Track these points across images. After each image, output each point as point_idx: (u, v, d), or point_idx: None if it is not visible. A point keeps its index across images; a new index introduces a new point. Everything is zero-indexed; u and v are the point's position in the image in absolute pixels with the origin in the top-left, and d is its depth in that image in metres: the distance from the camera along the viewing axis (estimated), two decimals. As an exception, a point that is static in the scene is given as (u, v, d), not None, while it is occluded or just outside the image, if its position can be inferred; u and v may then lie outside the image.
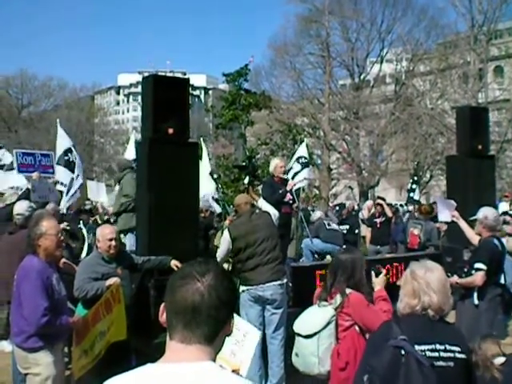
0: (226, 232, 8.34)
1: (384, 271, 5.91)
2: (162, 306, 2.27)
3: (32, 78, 77.29)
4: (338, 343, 5.44)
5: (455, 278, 7.86)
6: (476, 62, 40.20)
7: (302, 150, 17.37)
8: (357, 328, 5.42)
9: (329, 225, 13.99)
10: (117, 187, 12.94)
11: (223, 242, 8.29)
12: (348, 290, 5.51)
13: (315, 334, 5.50)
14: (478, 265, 7.82)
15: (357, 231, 15.91)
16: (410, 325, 3.70)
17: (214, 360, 2.21)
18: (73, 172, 14.25)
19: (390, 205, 18.15)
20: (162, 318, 2.26)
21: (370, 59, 50.28)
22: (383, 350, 3.55)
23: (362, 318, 5.42)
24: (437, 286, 3.84)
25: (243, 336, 4.57)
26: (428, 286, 3.81)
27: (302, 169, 16.19)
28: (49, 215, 7.38)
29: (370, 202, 18.28)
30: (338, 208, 23.18)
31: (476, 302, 7.90)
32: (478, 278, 7.79)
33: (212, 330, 2.18)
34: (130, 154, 17.77)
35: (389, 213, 15.81)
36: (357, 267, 5.63)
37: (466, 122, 11.80)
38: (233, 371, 4.16)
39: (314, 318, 5.64)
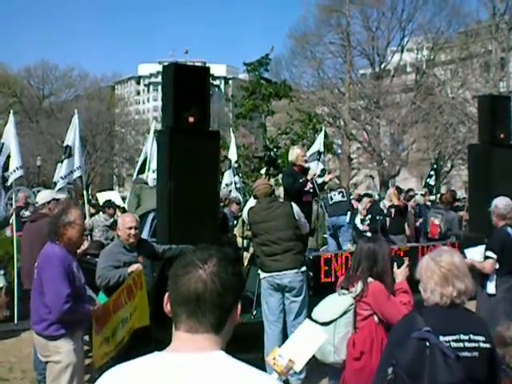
0: (246, 211, 8.62)
1: (407, 262, 5.80)
2: (166, 295, 2.21)
3: (53, 69, 77.93)
4: (355, 332, 5.42)
5: (471, 260, 7.90)
6: (497, 50, 39.91)
7: (318, 144, 17.71)
8: (376, 318, 5.36)
9: (331, 198, 13.95)
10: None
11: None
12: (369, 280, 5.45)
13: (332, 321, 5.48)
14: (488, 253, 7.89)
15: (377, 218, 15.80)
16: (434, 315, 3.65)
17: (223, 349, 2.14)
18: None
19: (408, 191, 18.10)
20: (167, 308, 2.20)
21: (390, 48, 50.13)
22: (407, 342, 3.50)
23: (381, 309, 5.35)
24: (466, 271, 3.80)
25: (307, 335, 4.60)
26: (460, 272, 3.74)
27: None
28: (75, 204, 7.45)
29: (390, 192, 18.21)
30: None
31: (491, 291, 7.92)
32: (487, 265, 7.85)
33: (218, 319, 2.12)
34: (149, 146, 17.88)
35: (395, 201, 15.65)
36: (379, 257, 5.53)
37: (487, 110, 11.68)
38: (289, 360, 4.18)
39: (332, 305, 5.63)
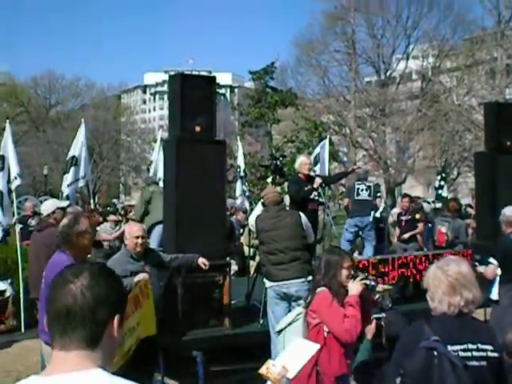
0: (252, 218, 8.64)
1: (361, 276, 5.79)
2: (46, 315, 2.13)
3: (60, 78, 78.15)
4: None
5: (482, 268, 7.97)
6: (503, 57, 39.80)
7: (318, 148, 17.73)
8: (325, 327, 5.42)
9: (358, 194, 13.67)
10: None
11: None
12: (320, 289, 5.54)
13: (281, 330, 5.80)
14: (490, 259, 7.96)
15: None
16: (442, 325, 3.63)
17: (104, 367, 2.06)
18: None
19: (417, 198, 18.02)
20: (46, 328, 2.13)
21: (395, 56, 49.99)
22: (415, 352, 3.48)
23: (321, 316, 5.44)
24: (473, 280, 3.78)
25: (300, 346, 4.71)
26: (467, 281, 3.71)
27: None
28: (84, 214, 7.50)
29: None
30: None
31: (494, 297, 7.98)
32: (487, 271, 7.99)
33: (91, 333, 2.03)
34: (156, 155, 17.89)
35: (417, 216, 15.49)
36: (330, 267, 5.61)
37: (493, 117, 11.67)
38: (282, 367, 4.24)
39: (287, 315, 6.00)
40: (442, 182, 21.81)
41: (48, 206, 10.04)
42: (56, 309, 2.05)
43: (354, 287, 5.57)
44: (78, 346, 2.02)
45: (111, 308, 2.10)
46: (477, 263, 8.32)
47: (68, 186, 13.84)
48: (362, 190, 13.70)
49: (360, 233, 14.09)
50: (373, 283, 5.72)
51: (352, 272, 5.72)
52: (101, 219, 14.54)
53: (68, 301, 2.03)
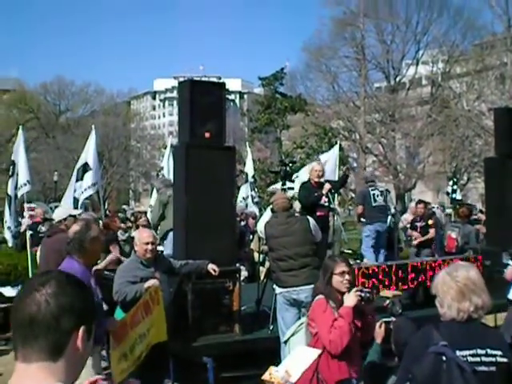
0: (261, 225, 8.66)
1: (355, 288, 5.69)
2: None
3: (69, 85, 78.27)
4: None
5: None
6: (513, 63, 39.75)
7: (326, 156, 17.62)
8: None
9: (374, 200, 13.52)
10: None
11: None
12: (318, 296, 5.59)
13: (287, 341, 5.97)
14: (509, 261, 8.05)
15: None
16: (450, 330, 3.62)
17: (68, 381, 2.01)
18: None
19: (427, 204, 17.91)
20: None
21: (405, 61, 49.98)
22: (424, 357, 3.48)
23: (315, 322, 5.47)
24: (482, 285, 3.77)
25: (302, 352, 4.77)
26: (476, 286, 3.70)
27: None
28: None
29: (413, 205, 17.99)
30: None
31: (510, 296, 8.05)
32: (507, 271, 8.02)
33: (54, 343, 1.96)
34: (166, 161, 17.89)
35: (431, 234, 15.36)
36: (325, 272, 5.68)
37: (504, 123, 11.67)
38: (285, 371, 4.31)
39: (292, 326, 6.14)
40: (455, 187, 21.99)
41: (60, 212, 10.12)
42: (19, 317, 1.99)
43: (349, 299, 5.56)
44: (39, 357, 1.96)
45: (77, 318, 2.03)
46: (505, 270, 8.39)
47: (82, 192, 13.90)
48: (378, 196, 13.60)
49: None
50: (368, 295, 5.69)
51: (348, 277, 5.68)
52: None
53: (32, 309, 1.97)
